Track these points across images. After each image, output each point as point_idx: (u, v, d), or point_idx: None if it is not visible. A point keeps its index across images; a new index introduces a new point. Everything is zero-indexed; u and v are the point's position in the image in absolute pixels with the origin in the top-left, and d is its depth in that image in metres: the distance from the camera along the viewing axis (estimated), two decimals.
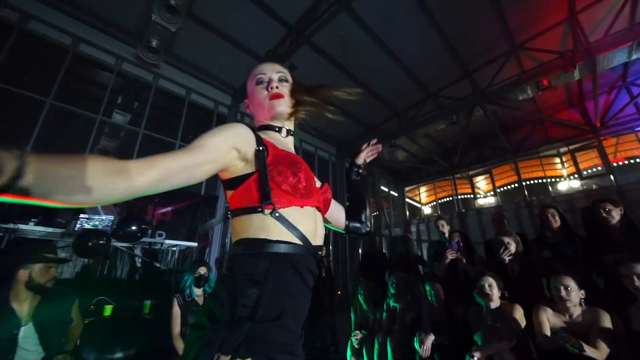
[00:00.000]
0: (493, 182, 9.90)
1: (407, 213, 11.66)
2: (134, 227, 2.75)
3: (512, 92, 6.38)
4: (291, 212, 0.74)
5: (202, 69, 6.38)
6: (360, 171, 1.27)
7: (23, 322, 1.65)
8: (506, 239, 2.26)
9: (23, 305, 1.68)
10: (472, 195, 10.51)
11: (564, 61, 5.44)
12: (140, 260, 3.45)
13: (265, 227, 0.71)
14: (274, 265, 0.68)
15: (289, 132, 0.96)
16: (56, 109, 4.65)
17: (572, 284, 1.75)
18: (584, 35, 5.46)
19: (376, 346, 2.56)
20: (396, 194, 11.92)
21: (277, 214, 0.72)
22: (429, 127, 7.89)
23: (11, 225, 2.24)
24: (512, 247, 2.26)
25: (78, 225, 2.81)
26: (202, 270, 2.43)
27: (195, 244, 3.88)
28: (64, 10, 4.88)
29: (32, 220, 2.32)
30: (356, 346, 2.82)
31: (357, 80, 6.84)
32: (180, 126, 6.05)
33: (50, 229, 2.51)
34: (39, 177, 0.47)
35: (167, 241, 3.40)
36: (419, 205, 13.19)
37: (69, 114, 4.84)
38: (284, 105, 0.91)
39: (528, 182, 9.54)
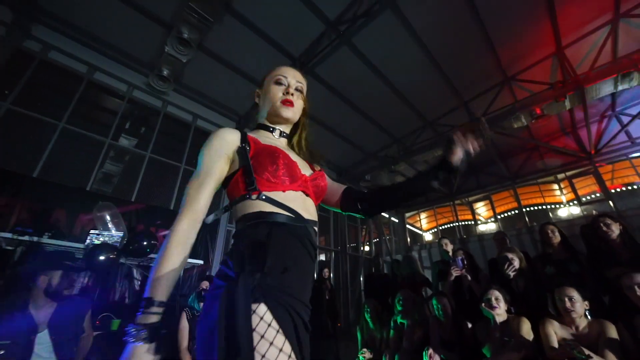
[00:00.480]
0: (493, 208, 9.92)
1: (408, 239, 11.55)
2: (144, 243, 2.77)
3: (507, 120, 6.62)
4: (276, 196, 0.80)
5: (209, 97, 6.66)
6: (451, 175, 0.92)
7: (39, 329, 1.68)
8: (510, 255, 2.30)
9: (40, 312, 1.73)
10: (472, 222, 10.50)
11: (555, 91, 5.72)
12: (139, 281, 3.40)
13: (258, 206, 0.78)
14: (274, 230, 0.74)
15: (282, 133, 1.01)
16: (67, 132, 4.80)
17: (575, 295, 1.77)
18: (571, 67, 5.80)
19: None
20: (397, 220, 11.88)
21: (263, 197, 0.79)
22: (428, 153, 8.08)
23: (27, 238, 2.27)
24: (516, 263, 2.29)
25: (88, 240, 2.81)
26: (204, 284, 2.45)
27: (200, 262, 3.87)
28: (82, 42, 5.20)
29: (47, 233, 2.35)
30: None
31: (357, 108, 7.12)
32: (185, 151, 6.19)
33: (62, 242, 2.54)
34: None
35: None
36: (420, 232, 13.10)
37: (78, 137, 4.99)
38: (292, 113, 0.98)
39: (528, 209, 9.59)
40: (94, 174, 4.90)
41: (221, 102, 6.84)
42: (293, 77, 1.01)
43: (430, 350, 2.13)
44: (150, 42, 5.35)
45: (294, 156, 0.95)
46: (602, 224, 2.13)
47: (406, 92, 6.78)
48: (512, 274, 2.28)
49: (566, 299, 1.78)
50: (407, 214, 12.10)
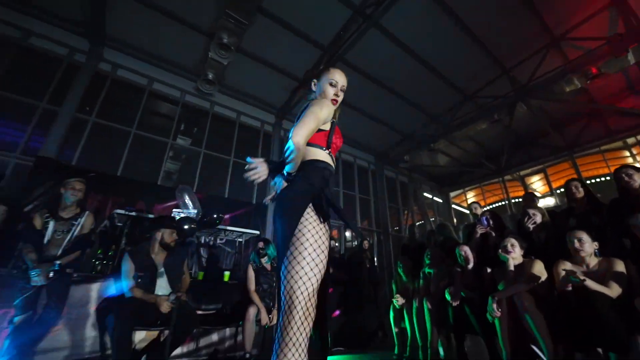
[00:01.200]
0: (549, 183, 9.18)
1: (455, 220, 11.22)
2: (214, 216, 3.48)
3: (558, 84, 6.10)
4: (332, 156, 1.34)
5: (249, 94, 7.20)
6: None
7: (158, 268, 2.48)
8: (531, 211, 2.41)
9: (158, 256, 2.52)
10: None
11: (613, 46, 5.13)
12: (205, 258, 4.10)
13: (323, 156, 1.28)
14: (329, 172, 1.28)
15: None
16: (137, 137, 5.68)
17: (584, 236, 1.88)
18: (635, 16, 5.12)
19: (414, 307, 2.84)
20: (441, 201, 11.59)
21: (327, 151, 1.30)
22: (470, 128, 7.76)
23: (133, 214, 3.34)
24: (538, 218, 2.39)
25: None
26: (260, 244, 3.07)
27: (257, 232, 4.65)
28: (141, 58, 6.02)
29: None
30: (397, 306, 3.16)
31: (391, 89, 7.10)
32: (233, 146, 6.84)
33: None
34: None
35: (235, 228, 4.23)
36: (467, 212, 12.60)
37: (145, 141, 5.86)
38: (335, 108, 1.37)
39: (592, 180, 8.70)
40: (162, 171, 5.75)
41: (260, 98, 7.34)
42: (342, 81, 1.41)
43: (452, 288, 2.38)
44: (196, 51, 5.98)
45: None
46: (624, 175, 2.18)
47: (441, 67, 6.59)
48: (531, 226, 2.40)
49: (575, 240, 1.92)
50: (452, 193, 11.71)
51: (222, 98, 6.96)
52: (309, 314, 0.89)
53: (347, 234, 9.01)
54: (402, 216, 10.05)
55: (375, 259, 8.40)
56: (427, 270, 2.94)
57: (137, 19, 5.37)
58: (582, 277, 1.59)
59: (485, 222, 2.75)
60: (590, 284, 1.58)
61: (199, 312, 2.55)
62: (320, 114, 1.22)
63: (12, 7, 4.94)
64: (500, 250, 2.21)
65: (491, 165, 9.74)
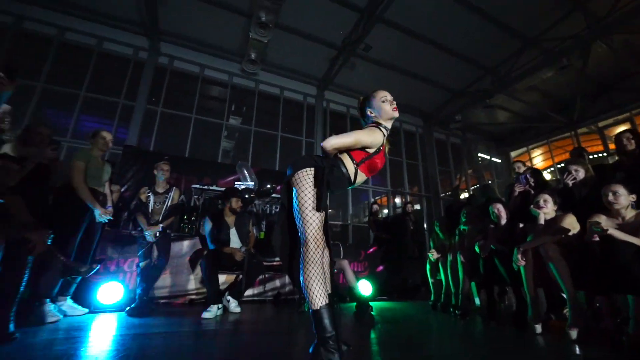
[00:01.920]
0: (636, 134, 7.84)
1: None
2: (268, 186, 4.02)
3: None
4: (359, 173, 1.43)
5: (291, 68, 7.39)
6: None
7: (231, 227, 3.14)
8: (573, 167, 2.29)
9: (229, 218, 3.18)
10: (604, 153, 8.60)
11: None
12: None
13: (349, 166, 1.41)
14: (342, 175, 1.40)
15: (386, 129, 1.52)
16: (197, 121, 6.40)
17: (620, 190, 1.79)
18: None
19: (449, 260, 3.03)
20: (499, 161, 10.76)
21: (356, 169, 1.41)
22: (532, 78, 6.92)
23: (206, 187, 4.26)
24: (580, 174, 2.26)
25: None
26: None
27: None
28: (192, 47, 6.57)
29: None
30: (432, 260, 3.38)
31: (438, 44, 6.62)
32: (279, 121, 7.25)
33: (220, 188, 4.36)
34: None
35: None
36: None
37: (204, 124, 6.57)
38: (397, 113, 1.52)
39: None
40: (220, 150, 6.47)
41: (301, 71, 7.47)
42: (390, 96, 1.53)
43: (482, 242, 2.47)
44: (238, 33, 6.29)
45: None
46: None
47: (495, 12, 5.88)
48: (570, 182, 2.29)
49: (610, 193, 1.84)
50: (513, 153, 10.73)
51: (266, 76, 7.29)
52: (319, 242, 1.24)
53: (397, 200, 9.07)
54: (455, 180, 9.66)
55: (425, 223, 8.41)
56: (462, 227, 3.05)
57: (184, 10, 5.81)
58: (605, 228, 1.57)
59: (524, 180, 2.69)
60: (615, 233, 1.56)
61: (265, 262, 3.09)
62: (362, 137, 1.36)
63: (86, 17, 5.77)
64: (532, 206, 2.21)
65: (561, 118, 8.62)
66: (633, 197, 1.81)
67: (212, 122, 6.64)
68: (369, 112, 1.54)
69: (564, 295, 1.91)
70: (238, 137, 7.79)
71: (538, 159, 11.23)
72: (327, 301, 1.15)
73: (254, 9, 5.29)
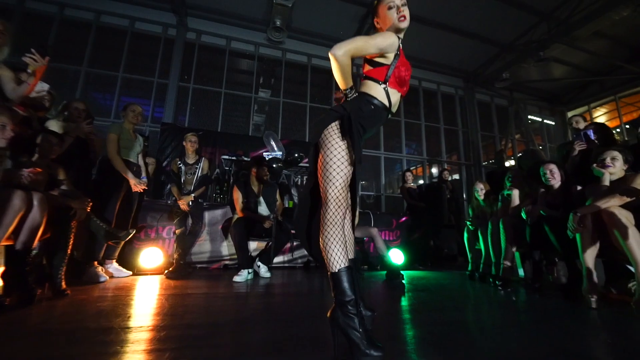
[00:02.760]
0: None
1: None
2: (296, 155, 4.01)
3: None
4: (391, 91, 1.25)
5: (318, 33, 7.01)
6: None
7: (258, 195, 3.21)
8: None
9: (256, 187, 3.22)
10: None
11: None
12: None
13: (377, 91, 1.24)
14: (373, 107, 1.24)
15: (399, 39, 1.31)
16: (228, 96, 6.45)
17: None
18: None
19: (489, 228, 2.75)
20: (553, 123, 9.61)
21: (385, 88, 1.23)
22: (599, 21, 5.84)
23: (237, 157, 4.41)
24: None
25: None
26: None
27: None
28: (218, 20, 6.47)
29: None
30: (471, 228, 3.15)
31: None
32: (307, 91, 7.05)
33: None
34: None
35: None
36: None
37: (235, 98, 6.60)
38: (407, 23, 1.28)
39: None
40: (250, 124, 6.52)
41: (329, 35, 7.05)
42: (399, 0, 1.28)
43: (529, 207, 2.17)
44: (262, 0, 6.04)
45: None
46: None
47: None
48: None
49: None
50: (570, 113, 9.47)
51: (292, 44, 7.01)
52: (341, 203, 1.12)
53: (434, 170, 8.61)
54: (500, 145, 8.85)
55: (465, 194, 7.93)
56: (506, 192, 2.73)
57: None
58: None
59: (584, 138, 2.25)
60: None
61: (292, 231, 3.12)
62: (373, 40, 1.17)
63: None
64: (595, 165, 1.88)
65: (635, 68, 7.30)
66: None
67: (241, 96, 6.65)
68: (375, 22, 1.36)
69: (631, 268, 1.64)
70: (268, 110, 7.76)
71: (603, 117, 9.82)
72: (347, 264, 1.07)
73: None
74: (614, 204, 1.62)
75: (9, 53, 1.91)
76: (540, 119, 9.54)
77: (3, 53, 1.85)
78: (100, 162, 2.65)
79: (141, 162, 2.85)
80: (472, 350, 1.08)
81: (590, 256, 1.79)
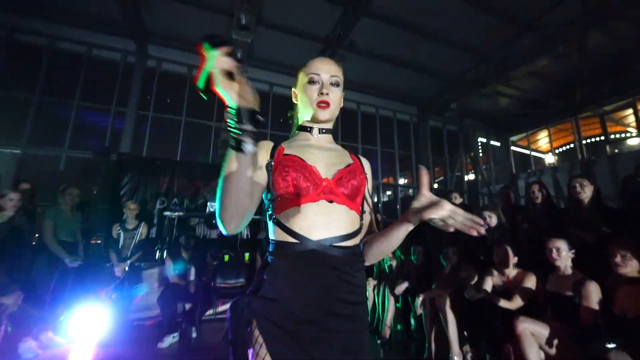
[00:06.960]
0: (638, 118, 7.58)
1: (514, 168, 10.26)
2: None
3: None
4: (289, 213, 0.78)
5: (279, 62, 7.25)
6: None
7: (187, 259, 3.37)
8: (486, 213, 2.39)
9: (185, 254, 3.40)
10: (603, 137, 8.37)
11: None
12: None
13: (272, 231, 0.81)
14: (276, 261, 0.77)
15: (321, 130, 0.92)
16: (189, 124, 6.56)
17: (562, 245, 1.88)
18: None
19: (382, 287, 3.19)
20: (498, 144, 10.57)
21: (275, 220, 0.79)
22: (529, 65, 6.70)
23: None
24: (493, 220, 2.35)
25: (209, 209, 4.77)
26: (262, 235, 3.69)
27: None
28: (179, 47, 6.56)
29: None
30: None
31: (428, 34, 6.37)
32: (269, 119, 7.32)
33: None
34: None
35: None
36: (539, 154, 11.33)
37: (196, 127, 6.71)
38: (328, 114, 0.88)
39: None
40: (211, 152, 6.70)
41: (290, 64, 7.34)
42: (327, 72, 0.88)
43: (400, 281, 2.70)
44: (222, 31, 6.22)
45: (324, 155, 0.88)
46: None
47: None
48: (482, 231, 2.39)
49: (554, 249, 1.93)
50: (513, 138, 10.50)
51: (254, 72, 7.24)
52: None
53: (388, 192, 9.16)
54: (447, 168, 9.62)
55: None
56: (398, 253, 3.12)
57: (166, 9, 5.76)
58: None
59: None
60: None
61: (223, 285, 3.49)
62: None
63: (73, 24, 5.81)
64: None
65: (559, 103, 8.32)
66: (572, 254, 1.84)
67: (202, 125, 6.79)
68: (294, 98, 0.97)
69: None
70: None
71: (544, 140, 10.98)
72: None
73: (235, 8, 5.21)
74: (441, 292, 2.14)
75: None
76: (486, 140, 10.44)
77: None
78: (35, 248, 2.87)
79: (79, 238, 3.14)
80: None
81: (429, 329, 2.25)
